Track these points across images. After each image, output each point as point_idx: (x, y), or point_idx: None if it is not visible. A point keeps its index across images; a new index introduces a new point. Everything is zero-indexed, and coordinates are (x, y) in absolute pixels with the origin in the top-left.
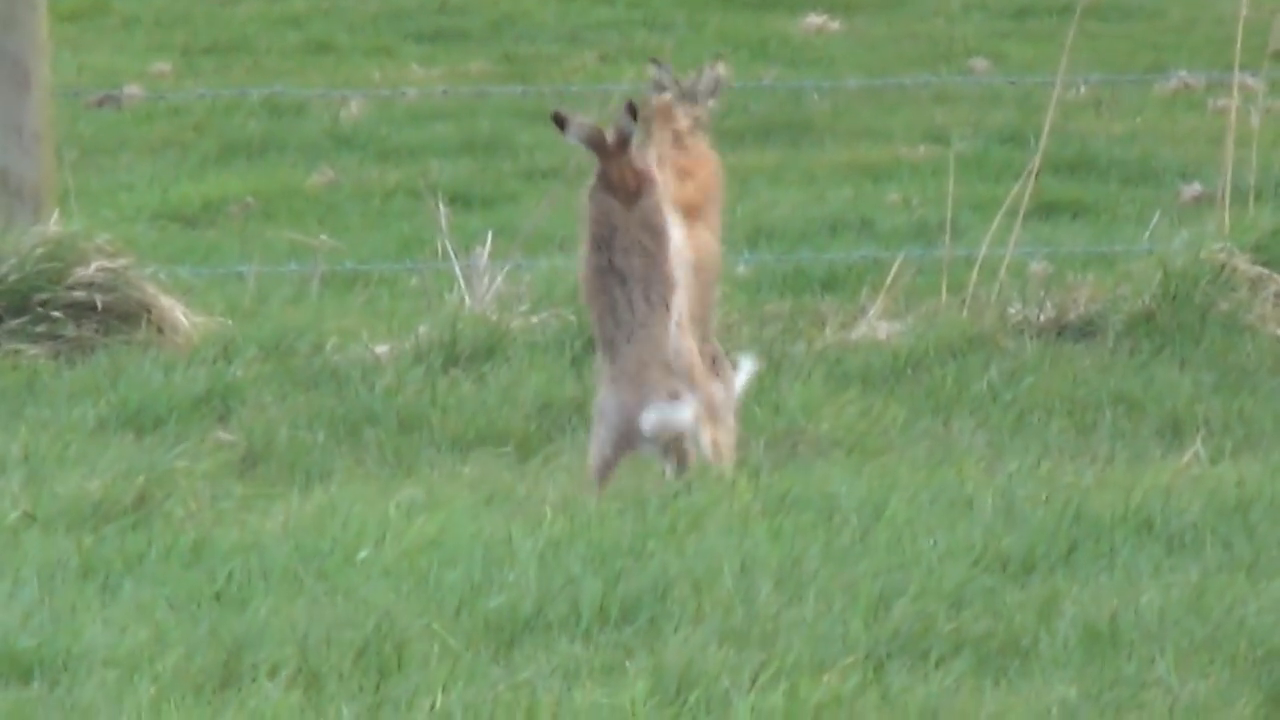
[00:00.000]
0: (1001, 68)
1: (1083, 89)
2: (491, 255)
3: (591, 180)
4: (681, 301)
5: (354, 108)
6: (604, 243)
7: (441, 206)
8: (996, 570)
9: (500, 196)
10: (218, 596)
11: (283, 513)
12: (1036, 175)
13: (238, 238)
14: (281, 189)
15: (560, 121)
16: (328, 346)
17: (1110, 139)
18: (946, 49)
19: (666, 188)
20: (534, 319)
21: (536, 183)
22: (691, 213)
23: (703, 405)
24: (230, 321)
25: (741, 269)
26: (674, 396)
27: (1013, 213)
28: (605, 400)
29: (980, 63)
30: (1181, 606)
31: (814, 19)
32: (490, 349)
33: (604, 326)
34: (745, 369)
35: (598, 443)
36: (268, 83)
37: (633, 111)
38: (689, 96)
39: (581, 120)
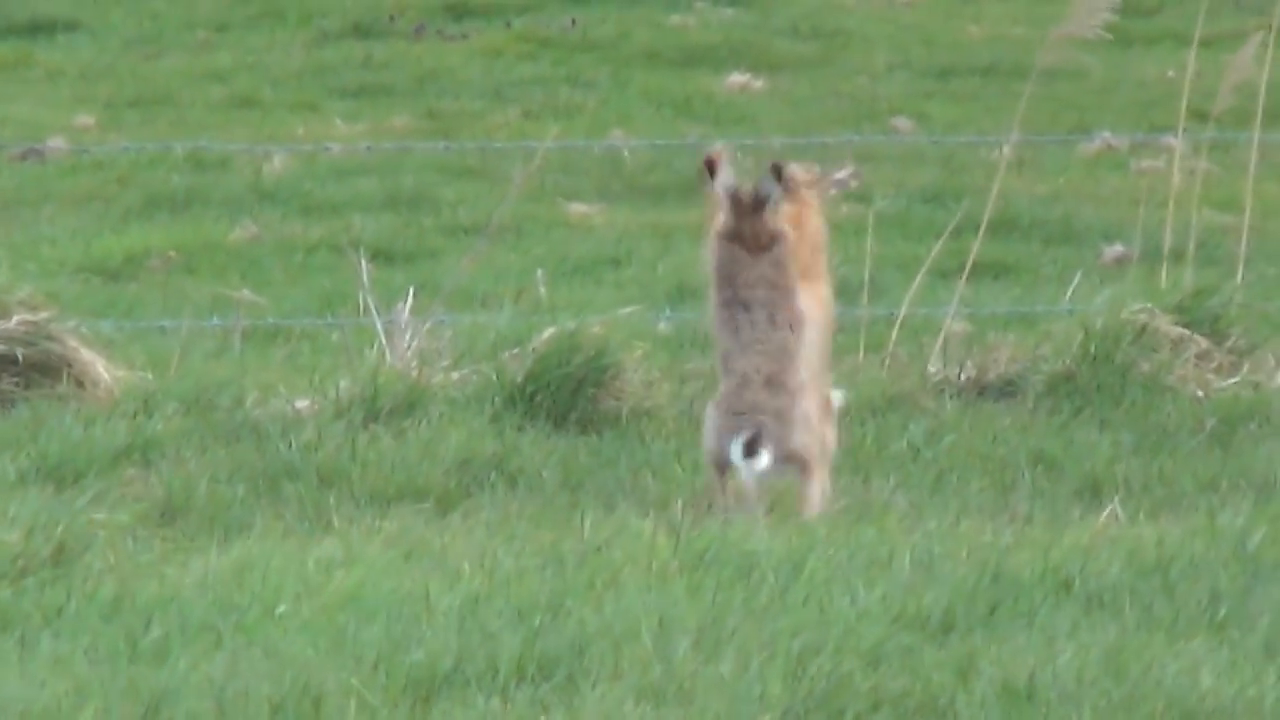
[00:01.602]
0: (924, 127)
1: (1005, 149)
2: (413, 311)
3: (716, 229)
4: (809, 338)
5: (277, 163)
6: (730, 279)
7: (363, 262)
8: (915, 629)
9: (422, 252)
10: (136, 650)
11: (202, 567)
12: (980, 233)
13: (160, 292)
14: (204, 243)
15: (711, 167)
16: (248, 401)
17: (1033, 199)
18: (870, 108)
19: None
20: (455, 375)
21: (459, 239)
22: (811, 269)
23: (809, 451)
24: (151, 375)
25: (662, 326)
26: (755, 441)
27: (934, 272)
28: (709, 415)
29: (903, 122)
30: (1099, 666)
31: (737, 77)
32: (411, 405)
33: (723, 345)
34: (835, 401)
35: (708, 457)
36: (192, 137)
37: (778, 173)
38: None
39: (730, 173)
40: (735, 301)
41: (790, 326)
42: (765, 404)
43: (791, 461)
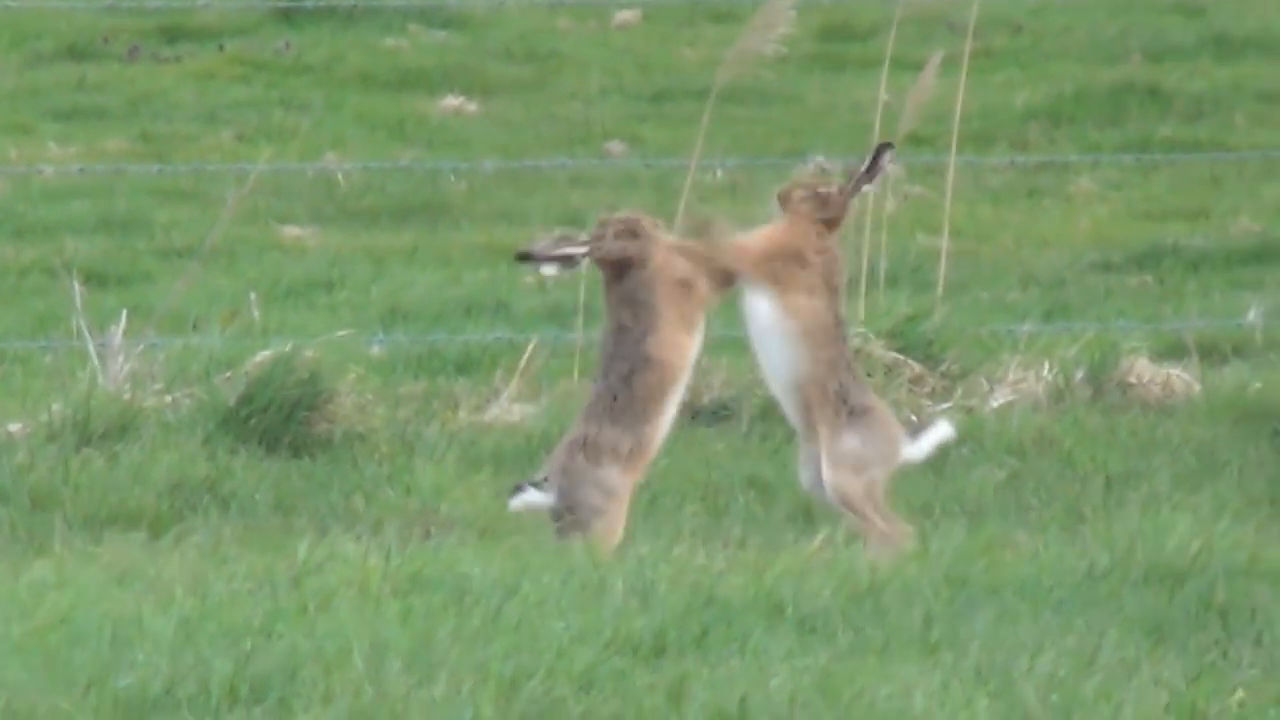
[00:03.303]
0: (638, 151)
1: (720, 173)
2: (126, 334)
3: None
4: (664, 379)
5: None
6: (604, 311)
7: (76, 285)
8: (627, 653)
9: (136, 275)
10: None
11: None
12: None
13: None
14: None
15: (527, 258)
16: None
17: (747, 223)
18: (583, 132)
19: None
20: (167, 398)
21: (172, 262)
22: (780, 277)
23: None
24: None
25: (375, 350)
26: (534, 485)
27: None
28: None
29: (617, 146)
30: (811, 690)
31: (451, 100)
32: (123, 428)
33: None
34: (940, 431)
35: None
36: None
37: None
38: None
39: (541, 252)
40: (599, 347)
41: (623, 377)
42: (559, 460)
43: (571, 517)
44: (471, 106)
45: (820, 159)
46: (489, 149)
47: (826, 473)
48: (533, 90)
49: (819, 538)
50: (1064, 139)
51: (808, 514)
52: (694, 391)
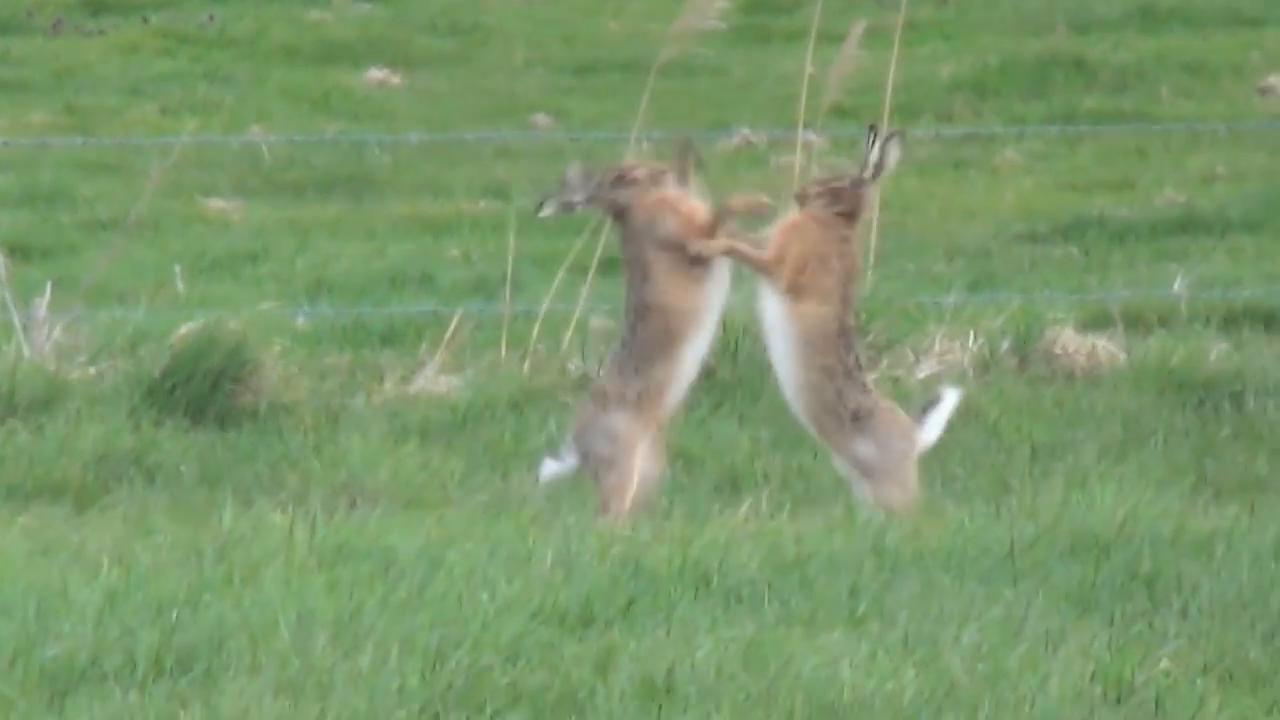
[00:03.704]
0: (563, 123)
1: (645, 145)
2: (51, 306)
3: None
4: (669, 324)
5: None
6: None
7: (1, 257)
8: (554, 623)
9: (60, 248)
10: None
11: None
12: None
13: None
14: None
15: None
16: None
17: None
18: (508, 104)
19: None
20: (92, 370)
21: (97, 234)
22: (804, 288)
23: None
24: None
25: (301, 322)
26: (554, 454)
27: (575, 268)
28: None
29: (542, 118)
30: (738, 661)
31: (376, 73)
32: (48, 400)
33: None
34: (947, 403)
35: None
36: None
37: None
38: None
39: (551, 201)
40: None
41: (630, 324)
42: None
43: (584, 466)
44: (396, 79)
45: (746, 131)
46: (414, 122)
47: (871, 491)
48: (457, 63)
49: (744, 508)
50: (989, 111)
51: (734, 485)
52: None
